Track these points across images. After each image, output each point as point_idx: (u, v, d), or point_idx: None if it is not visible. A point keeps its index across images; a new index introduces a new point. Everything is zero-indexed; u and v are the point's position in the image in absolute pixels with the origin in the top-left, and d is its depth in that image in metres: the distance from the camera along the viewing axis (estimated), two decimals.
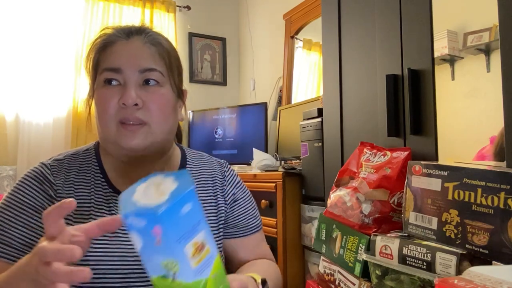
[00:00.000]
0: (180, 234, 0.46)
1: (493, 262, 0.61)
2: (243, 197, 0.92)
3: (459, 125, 1.01)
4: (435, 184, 0.72)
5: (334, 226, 0.98)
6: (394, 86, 1.10)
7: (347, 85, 1.32)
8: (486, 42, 0.94)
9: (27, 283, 0.53)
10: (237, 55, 3.53)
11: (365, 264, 0.83)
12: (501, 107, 0.81)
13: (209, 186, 0.88)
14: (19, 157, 2.60)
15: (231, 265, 0.90)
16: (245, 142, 2.74)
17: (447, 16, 1.03)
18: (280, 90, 2.88)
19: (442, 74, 1.01)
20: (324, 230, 1.02)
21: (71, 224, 0.67)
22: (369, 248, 0.82)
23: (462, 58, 1.01)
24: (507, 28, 0.81)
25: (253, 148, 2.29)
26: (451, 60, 1.02)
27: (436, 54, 1.01)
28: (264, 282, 0.70)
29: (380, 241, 0.77)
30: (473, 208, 0.64)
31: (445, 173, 0.70)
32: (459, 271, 0.62)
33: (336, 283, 0.94)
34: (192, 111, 3.09)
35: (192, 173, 0.89)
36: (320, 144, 1.62)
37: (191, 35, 3.34)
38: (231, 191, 0.90)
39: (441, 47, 1.02)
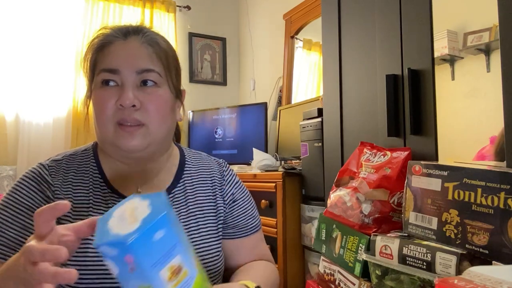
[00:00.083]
0: (153, 260, 0.47)
1: (493, 262, 0.61)
2: (242, 197, 0.92)
3: (459, 125, 1.01)
4: (435, 184, 0.72)
5: (334, 226, 0.98)
6: (394, 86, 1.10)
7: (347, 85, 1.32)
8: (486, 42, 0.94)
9: (15, 281, 0.53)
10: (237, 55, 3.53)
11: (365, 264, 0.83)
12: (501, 107, 0.81)
13: (208, 186, 0.88)
14: (19, 157, 2.60)
15: (229, 265, 0.89)
16: (245, 142, 2.74)
17: (447, 16, 1.03)
18: (280, 90, 2.88)
19: (442, 74, 1.01)
20: (324, 230, 1.02)
21: None
22: (369, 248, 0.82)
23: (462, 58, 1.01)
24: (507, 28, 0.81)
25: (253, 148, 2.30)
26: (451, 60, 1.02)
27: (436, 54, 1.01)
28: None
29: (380, 241, 0.77)
30: (473, 208, 0.64)
31: (445, 173, 0.70)
32: (459, 271, 0.62)
33: (336, 283, 0.94)
34: (192, 111, 3.09)
35: (191, 173, 0.88)
36: (320, 144, 1.62)
37: (191, 35, 3.34)
38: (230, 191, 0.90)
39: (441, 47, 1.02)
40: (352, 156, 1.07)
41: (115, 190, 0.80)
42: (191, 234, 0.81)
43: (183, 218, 0.82)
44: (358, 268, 0.86)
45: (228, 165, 0.96)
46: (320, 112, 1.66)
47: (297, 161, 2.06)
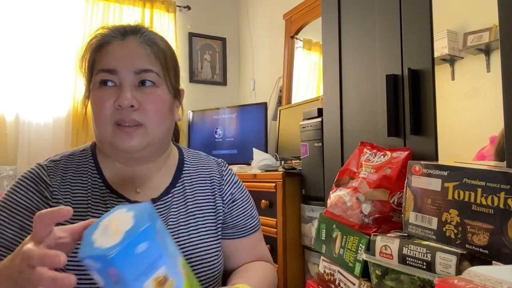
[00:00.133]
0: (137, 272, 0.47)
1: (493, 262, 0.61)
2: (241, 197, 0.91)
3: (459, 125, 1.01)
4: (435, 184, 0.72)
5: (334, 226, 0.98)
6: (394, 86, 1.10)
7: (347, 85, 1.32)
8: (486, 42, 0.94)
9: (9, 283, 0.52)
10: (237, 55, 3.53)
11: (365, 264, 0.83)
12: (501, 107, 0.81)
13: (207, 186, 0.88)
14: (19, 157, 2.60)
15: (229, 265, 0.89)
16: (245, 142, 2.74)
17: (447, 16, 1.03)
18: (280, 90, 2.88)
19: (442, 74, 1.01)
20: (324, 230, 1.02)
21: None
22: (369, 248, 0.82)
23: (462, 58, 1.01)
24: (507, 28, 0.81)
25: (253, 148, 2.30)
26: (451, 60, 1.02)
27: (436, 54, 1.01)
28: None
29: (380, 241, 0.77)
30: (473, 208, 0.64)
31: (445, 173, 0.70)
32: (459, 271, 0.62)
33: (336, 283, 0.94)
34: (192, 111, 3.09)
35: (190, 173, 0.88)
36: (320, 144, 1.62)
37: (191, 35, 3.34)
38: (229, 190, 0.90)
39: (441, 47, 1.02)
40: (352, 156, 1.07)
41: (113, 190, 0.80)
42: (190, 234, 0.81)
43: (182, 218, 0.82)
44: (358, 268, 0.86)
45: (227, 165, 0.95)
46: (320, 112, 1.66)
47: (297, 161, 2.06)
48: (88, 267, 0.48)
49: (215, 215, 0.86)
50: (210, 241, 0.82)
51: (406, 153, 0.93)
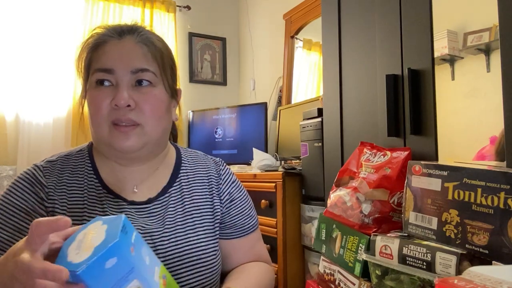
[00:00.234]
0: (107, 287, 0.48)
1: (493, 262, 0.61)
2: (239, 196, 0.91)
3: (459, 125, 1.01)
4: (435, 184, 0.72)
5: (334, 226, 0.98)
6: (394, 86, 1.10)
7: (347, 85, 1.32)
8: (486, 42, 0.94)
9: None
10: (237, 55, 3.53)
11: (365, 264, 0.83)
12: (501, 107, 0.81)
13: (205, 185, 0.88)
14: (19, 157, 2.60)
15: (227, 265, 0.89)
16: (245, 142, 2.74)
17: (447, 16, 1.03)
18: (280, 90, 2.88)
19: (442, 74, 1.01)
20: (324, 230, 1.02)
21: None
22: (369, 248, 0.82)
23: (462, 58, 1.01)
24: (507, 28, 0.81)
25: (253, 148, 2.30)
26: (451, 60, 1.02)
27: (436, 54, 1.01)
28: None
29: (380, 241, 0.77)
30: (473, 208, 0.64)
31: (445, 173, 0.70)
32: (459, 271, 0.62)
33: (336, 283, 0.94)
34: (192, 111, 3.09)
35: (188, 172, 0.88)
36: (320, 144, 1.62)
37: (191, 35, 3.34)
38: (227, 190, 0.90)
39: (441, 47, 1.02)
40: (352, 156, 1.07)
41: (110, 190, 0.80)
42: (187, 234, 0.80)
43: (179, 218, 0.82)
44: (358, 268, 0.86)
45: (225, 164, 0.95)
46: (320, 112, 1.66)
47: (297, 161, 2.06)
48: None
49: (212, 215, 0.86)
50: (207, 241, 0.82)
51: (406, 153, 0.93)
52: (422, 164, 0.76)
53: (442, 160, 0.97)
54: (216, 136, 2.94)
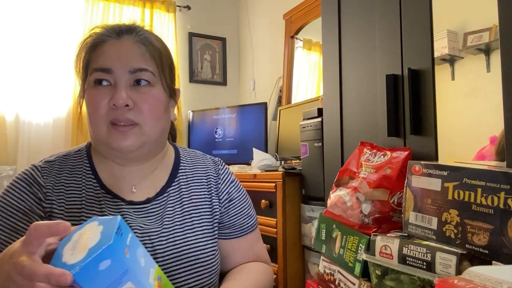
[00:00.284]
0: None
1: (493, 262, 0.61)
2: (238, 196, 0.91)
3: (459, 125, 1.01)
4: (435, 184, 0.72)
5: (334, 226, 0.98)
6: (394, 86, 1.10)
7: (347, 85, 1.32)
8: (486, 42, 0.94)
9: None
10: (237, 55, 3.53)
11: (365, 264, 0.83)
12: (501, 107, 0.81)
13: (203, 185, 0.88)
14: (19, 157, 2.60)
15: (226, 265, 0.89)
16: (245, 142, 2.74)
17: (447, 16, 1.03)
18: (280, 90, 2.88)
19: (442, 74, 1.01)
20: (324, 230, 1.02)
21: None
22: (369, 248, 0.82)
23: (462, 58, 1.01)
24: (507, 28, 0.81)
25: (253, 148, 2.30)
26: (451, 60, 1.02)
27: (436, 54, 1.01)
28: None
29: (380, 241, 0.77)
30: (473, 208, 0.64)
31: (445, 173, 0.70)
32: (459, 271, 0.62)
33: (336, 283, 0.94)
34: (192, 111, 3.09)
35: (186, 172, 0.88)
36: (320, 144, 1.62)
37: (191, 35, 3.34)
38: (226, 190, 0.89)
39: (441, 47, 1.02)
40: (352, 156, 1.07)
41: (109, 190, 0.80)
42: (186, 234, 0.80)
43: (177, 218, 0.81)
44: (358, 268, 0.86)
45: (224, 164, 0.95)
46: (320, 112, 1.66)
47: (297, 161, 2.06)
48: None
49: (211, 215, 0.85)
50: (206, 241, 0.82)
51: (406, 153, 0.93)
52: (422, 164, 0.76)
53: (442, 160, 0.97)
54: (216, 136, 2.94)
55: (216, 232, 0.86)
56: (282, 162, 2.13)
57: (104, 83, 0.75)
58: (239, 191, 0.92)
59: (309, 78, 2.73)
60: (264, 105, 2.72)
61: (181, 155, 0.91)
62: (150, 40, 0.80)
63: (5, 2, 2.61)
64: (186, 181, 0.87)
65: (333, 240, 0.97)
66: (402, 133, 1.08)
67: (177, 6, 3.23)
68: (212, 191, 0.88)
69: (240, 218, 0.90)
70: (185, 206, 0.83)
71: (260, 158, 2.13)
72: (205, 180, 0.88)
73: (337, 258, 0.95)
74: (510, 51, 0.80)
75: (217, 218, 0.86)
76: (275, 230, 1.87)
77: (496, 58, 0.85)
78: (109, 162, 0.82)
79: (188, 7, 3.30)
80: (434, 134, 0.99)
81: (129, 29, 0.79)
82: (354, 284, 0.87)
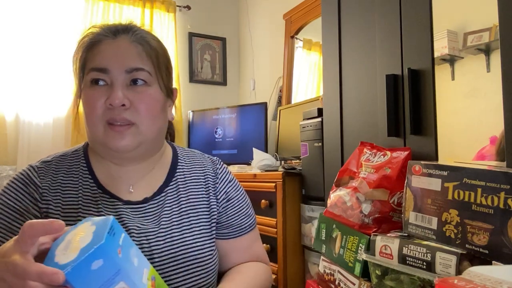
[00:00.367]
0: None
1: (493, 262, 0.61)
2: (236, 195, 0.91)
3: (459, 125, 1.01)
4: (435, 184, 0.72)
5: (334, 226, 0.98)
6: (394, 86, 1.10)
7: (347, 85, 1.32)
8: (486, 42, 0.94)
9: None
10: (237, 55, 3.53)
11: (365, 264, 0.83)
12: (501, 107, 0.81)
13: (201, 185, 0.87)
14: (19, 157, 2.60)
15: (224, 265, 0.89)
16: (245, 142, 2.74)
17: (447, 16, 1.03)
18: (280, 90, 2.88)
19: (442, 74, 1.01)
20: (324, 230, 1.02)
21: None
22: (369, 248, 0.82)
23: (462, 58, 1.01)
24: (507, 28, 0.81)
25: (253, 148, 2.30)
26: (451, 60, 1.02)
27: (436, 54, 1.01)
28: None
29: (380, 241, 0.77)
30: (473, 208, 0.64)
31: (445, 173, 0.70)
32: (459, 271, 0.62)
33: (336, 283, 0.94)
34: (192, 111, 3.09)
35: (184, 172, 0.88)
36: (320, 144, 1.62)
37: (191, 35, 3.34)
38: (224, 189, 0.89)
39: (441, 47, 1.02)
40: (352, 156, 1.07)
41: (106, 190, 0.79)
42: (183, 233, 0.80)
43: (175, 217, 0.81)
44: (358, 268, 0.86)
45: (222, 163, 0.95)
46: (320, 112, 1.66)
47: (297, 161, 2.06)
48: None
49: (209, 214, 0.85)
50: (203, 241, 0.82)
51: (406, 153, 0.93)
52: (422, 164, 0.76)
53: (442, 160, 0.97)
54: (216, 136, 2.94)
55: (214, 231, 0.86)
56: (282, 162, 2.13)
57: (101, 82, 0.75)
58: (237, 191, 0.92)
59: (309, 78, 2.73)
60: (264, 105, 2.72)
61: (179, 155, 0.91)
62: (147, 40, 0.79)
63: (5, 2, 2.61)
64: (184, 181, 0.86)
65: (333, 240, 0.97)
66: (402, 133, 1.08)
67: (177, 6, 3.23)
68: (210, 191, 0.87)
69: (238, 218, 0.89)
70: (183, 206, 0.83)
71: (260, 158, 2.13)
72: (203, 180, 0.88)
73: (337, 258, 0.95)
74: (510, 51, 0.80)
75: (215, 218, 0.86)
76: (275, 230, 1.87)
77: (496, 58, 0.85)
78: (106, 162, 0.81)
79: (188, 7, 3.30)
80: (434, 134, 0.99)
81: (126, 29, 0.79)
82: (354, 284, 0.87)
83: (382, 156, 0.97)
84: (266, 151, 2.54)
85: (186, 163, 0.90)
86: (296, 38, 2.81)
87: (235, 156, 2.78)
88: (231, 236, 0.89)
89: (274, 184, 1.88)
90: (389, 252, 0.75)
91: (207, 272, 0.80)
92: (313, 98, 2.45)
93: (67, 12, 2.78)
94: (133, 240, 0.74)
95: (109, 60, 0.75)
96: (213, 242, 0.85)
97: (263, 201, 1.92)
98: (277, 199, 1.86)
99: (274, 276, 1.84)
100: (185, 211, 0.83)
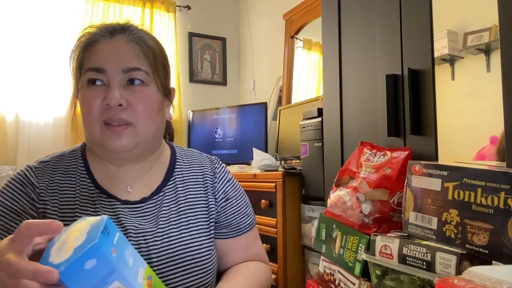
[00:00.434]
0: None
1: (493, 262, 0.61)
2: (235, 195, 0.91)
3: (459, 125, 1.01)
4: (435, 184, 0.72)
5: (334, 226, 0.98)
6: (394, 86, 1.10)
7: (347, 85, 1.32)
8: (486, 42, 0.94)
9: None
10: (237, 55, 3.53)
11: (365, 264, 0.83)
12: (501, 107, 0.81)
13: (200, 184, 0.87)
14: (19, 157, 2.60)
15: (223, 265, 0.89)
16: (245, 142, 2.74)
17: (447, 16, 1.03)
18: (280, 90, 2.88)
19: (442, 74, 1.01)
20: (324, 230, 1.02)
21: None
22: (369, 248, 0.82)
23: (462, 58, 1.01)
24: (507, 28, 0.81)
25: (253, 148, 2.30)
26: (451, 60, 1.02)
27: (436, 54, 1.01)
28: None
29: (380, 241, 0.77)
30: (473, 208, 0.64)
31: (445, 173, 0.70)
32: (459, 271, 0.62)
33: (336, 283, 0.94)
34: (192, 111, 3.09)
35: (182, 171, 0.88)
36: (320, 144, 1.62)
37: (191, 35, 3.34)
38: (222, 188, 0.89)
39: (441, 47, 1.02)
40: (352, 156, 1.07)
41: (103, 190, 0.79)
42: (181, 233, 0.80)
43: (173, 217, 0.81)
44: (358, 268, 0.86)
45: (220, 162, 0.94)
46: (320, 112, 1.66)
47: (297, 161, 2.06)
48: None
49: (207, 214, 0.85)
50: (201, 240, 0.82)
51: (406, 153, 0.93)
52: (422, 164, 0.76)
53: (442, 160, 0.97)
54: (216, 136, 2.94)
55: (212, 231, 0.85)
56: (282, 162, 2.13)
57: (98, 82, 0.74)
58: (236, 190, 0.92)
59: (309, 78, 2.73)
60: (264, 105, 2.72)
61: (177, 154, 0.90)
62: (144, 39, 0.79)
63: (5, 2, 2.61)
64: (182, 180, 0.86)
65: (333, 240, 0.97)
66: (402, 133, 1.08)
67: (177, 6, 3.23)
68: (208, 190, 0.87)
69: (237, 217, 0.89)
70: (181, 206, 0.83)
71: (260, 158, 2.13)
72: (201, 179, 0.88)
73: (337, 258, 0.95)
74: (510, 51, 0.80)
75: (213, 217, 0.86)
76: (275, 230, 1.87)
77: (496, 58, 0.85)
78: (104, 162, 0.81)
79: (188, 7, 3.30)
80: (434, 134, 0.99)
81: (123, 28, 0.79)
82: (354, 284, 0.87)
83: (382, 156, 0.97)
84: (266, 151, 2.54)
85: (184, 163, 0.89)
86: (296, 38, 2.81)
87: (235, 156, 2.78)
88: (230, 235, 0.88)
89: (274, 184, 1.88)
90: (389, 252, 0.75)
91: (205, 272, 0.80)
92: (313, 98, 2.45)
93: (67, 12, 2.78)
94: (131, 240, 0.74)
95: (106, 60, 0.74)
96: (212, 241, 0.84)
97: (263, 201, 1.92)
98: (277, 199, 1.86)
99: (274, 276, 1.84)
100: (183, 210, 0.83)
